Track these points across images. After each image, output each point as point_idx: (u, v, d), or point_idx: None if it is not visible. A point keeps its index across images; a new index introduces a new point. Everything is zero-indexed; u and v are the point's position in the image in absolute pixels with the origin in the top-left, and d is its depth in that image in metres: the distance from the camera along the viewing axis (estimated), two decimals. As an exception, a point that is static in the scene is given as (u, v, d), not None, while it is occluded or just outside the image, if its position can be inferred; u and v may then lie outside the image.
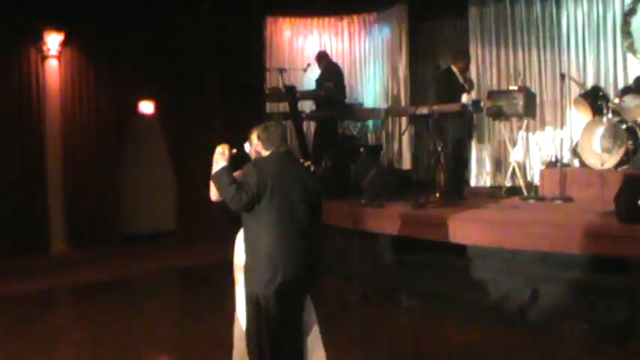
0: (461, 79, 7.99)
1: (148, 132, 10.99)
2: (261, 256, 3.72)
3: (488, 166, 9.84)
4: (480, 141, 9.83)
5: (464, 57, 8.19)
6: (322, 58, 9.88)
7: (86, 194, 10.24)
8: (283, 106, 9.98)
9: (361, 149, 8.39)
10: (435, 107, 7.74)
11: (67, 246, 10.03)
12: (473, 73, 9.56)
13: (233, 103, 10.41)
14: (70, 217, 10.10)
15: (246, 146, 4.09)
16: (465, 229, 6.39)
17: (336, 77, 9.71)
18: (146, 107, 10.92)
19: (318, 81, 9.70)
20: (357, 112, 10.27)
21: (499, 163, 9.67)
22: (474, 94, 8.70)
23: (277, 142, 3.87)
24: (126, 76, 10.34)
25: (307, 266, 3.80)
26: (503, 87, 9.20)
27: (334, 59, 10.45)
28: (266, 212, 3.71)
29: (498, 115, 8.37)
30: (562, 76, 7.88)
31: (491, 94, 8.54)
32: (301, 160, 3.90)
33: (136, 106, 10.81)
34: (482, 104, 8.34)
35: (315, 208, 3.90)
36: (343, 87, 9.83)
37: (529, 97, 8.33)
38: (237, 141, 4.00)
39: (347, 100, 10.52)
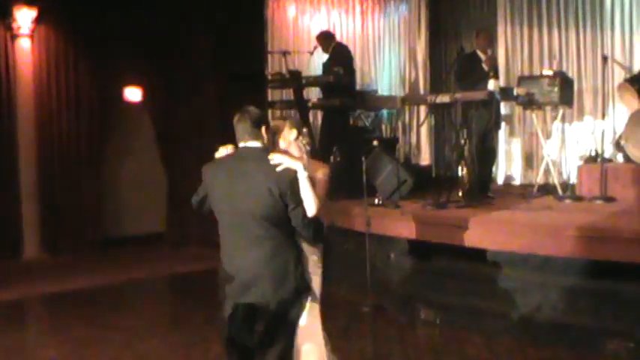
0: (485, 65, 7.95)
1: (133, 122, 11.01)
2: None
3: (518, 161, 9.80)
4: (510, 133, 9.81)
5: (482, 32, 8.18)
6: (327, 39, 9.75)
7: (63, 192, 10.24)
8: (287, 94, 9.98)
9: (374, 142, 8.38)
10: (458, 95, 7.73)
11: (42, 251, 10.05)
12: (501, 57, 9.54)
13: (230, 90, 10.37)
14: (46, 218, 10.11)
15: (281, 142, 4.21)
16: (492, 232, 6.37)
17: (347, 61, 9.67)
18: (132, 94, 10.93)
19: (326, 65, 9.65)
20: (370, 101, 10.25)
21: (530, 158, 9.65)
22: (502, 80, 8.68)
23: (240, 134, 3.78)
24: (109, 58, 10.32)
25: (274, 286, 3.67)
26: (536, 72, 9.15)
27: (344, 40, 10.43)
28: (218, 220, 3.78)
29: (530, 103, 8.32)
30: (604, 58, 7.81)
31: (523, 80, 8.50)
32: (270, 158, 3.72)
33: (120, 93, 10.82)
34: (515, 92, 8.29)
35: (283, 215, 3.71)
36: (353, 72, 9.78)
37: (565, 83, 8.28)
38: (234, 133, 3.93)
39: (358, 87, 10.46)
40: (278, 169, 3.67)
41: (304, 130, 4.40)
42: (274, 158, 3.70)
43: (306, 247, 4.05)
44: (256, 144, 3.77)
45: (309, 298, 3.98)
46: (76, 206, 10.29)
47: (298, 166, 3.72)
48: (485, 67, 7.97)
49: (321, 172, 4.19)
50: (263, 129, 3.79)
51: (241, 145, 3.79)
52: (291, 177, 3.68)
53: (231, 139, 3.90)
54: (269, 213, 3.66)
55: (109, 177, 10.80)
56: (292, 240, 3.79)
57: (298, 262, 3.79)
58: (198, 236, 10.31)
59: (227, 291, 3.70)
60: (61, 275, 8.97)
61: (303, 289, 3.80)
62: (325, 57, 9.81)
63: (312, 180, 3.91)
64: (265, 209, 3.64)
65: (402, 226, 7.06)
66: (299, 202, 3.70)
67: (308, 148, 4.36)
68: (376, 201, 7.86)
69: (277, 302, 3.66)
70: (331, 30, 10.45)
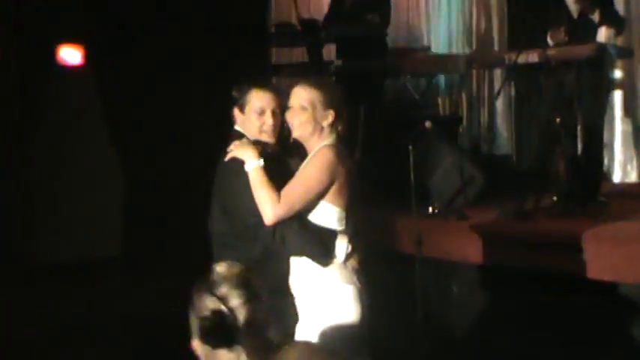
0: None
1: (73, 95, 10.91)
2: None
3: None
4: (631, 110, 9.63)
5: None
6: None
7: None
8: (299, 54, 10.11)
9: (426, 123, 8.27)
10: (551, 51, 7.72)
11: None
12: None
13: (218, 48, 10.35)
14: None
15: (296, 129, 4.29)
16: (606, 254, 6.34)
17: (385, 5, 9.67)
18: (69, 55, 10.83)
19: (353, 10, 9.56)
20: (421, 63, 10.23)
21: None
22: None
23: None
24: (35, 6, 10.26)
25: None
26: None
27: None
28: None
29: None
30: None
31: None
32: (230, 149, 4.09)
33: (52, 55, 10.73)
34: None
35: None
36: (387, 23, 9.79)
37: None
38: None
39: (403, 43, 10.61)
40: (226, 159, 4.08)
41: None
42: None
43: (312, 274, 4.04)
44: (236, 127, 4.26)
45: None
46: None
47: (246, 155, 3.97)
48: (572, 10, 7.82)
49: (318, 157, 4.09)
50: (236, 109, 4.22)
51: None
52: (227, 173, 4.10)
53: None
54: (212, 226, 4.25)
55: (37, 176, 10.70)
56: None
57: None
58: (169, 263, 10.22)
59: None
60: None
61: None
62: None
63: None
64: (210, 223, 4.25)
65: (470, 246, 7.10)
66: (237, 206, 4.09)
67: (340, 135, 4.22)
68: (430, 210, 7.90)
69: None
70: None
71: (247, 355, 2.58)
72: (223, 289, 2.57)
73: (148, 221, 10.63)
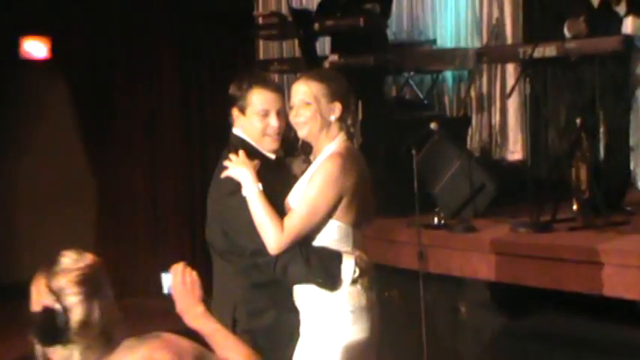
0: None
1: (38, 93, 10.84)
2: None
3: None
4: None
5: None
6: None
7: None
8: (289, 48, 10.20)
9: (432, 125, 8.27)
10: (570, 44, 7.73)
11: None
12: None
13: (199, 42, 10.31)
14: None
15: (303, 128, 4.31)
16: (632, 270, 6.23)
17: None
18: (34, 48, 10.78)
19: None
20: (425, 58, 10.26)
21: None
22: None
23: None
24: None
25: None
26: None
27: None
28: None
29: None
30: None
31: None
32: (225, 165, 4.08)
33: (15, 47, 10.69)
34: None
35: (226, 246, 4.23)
36: (388, 14, 9.91)
37: None
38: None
39: (406, 36, 10.60)
40: (222, 176, 4.04)
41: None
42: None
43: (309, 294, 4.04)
44: (235, 130, 4.25)
45: None
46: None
47: (243, 178, 3.93)
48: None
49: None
50: (235, 110, 4.19)
51: None
52: (222, 193, 4.08)
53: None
54: (211, 240, 4.24)
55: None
56: (239, 281, 4.10)
57: (236, 314, 4.06)
58: (146, 283, 10.17)
59: None
60: None
61: None
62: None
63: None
64: (208, 234, 4.25)
65: (479, 261, 7.08)
66: (235, 231, 4.08)
67: (352, 130, 4.21)
68: (435, 220, 7.86)
69: None
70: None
71: (81, 353, 2.56)
72: (61, 283, 2.53)
73: (124, 236, 10.59)
